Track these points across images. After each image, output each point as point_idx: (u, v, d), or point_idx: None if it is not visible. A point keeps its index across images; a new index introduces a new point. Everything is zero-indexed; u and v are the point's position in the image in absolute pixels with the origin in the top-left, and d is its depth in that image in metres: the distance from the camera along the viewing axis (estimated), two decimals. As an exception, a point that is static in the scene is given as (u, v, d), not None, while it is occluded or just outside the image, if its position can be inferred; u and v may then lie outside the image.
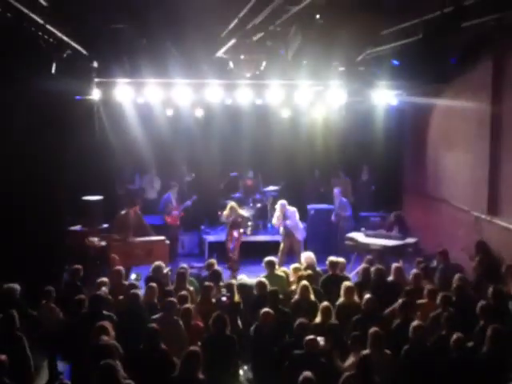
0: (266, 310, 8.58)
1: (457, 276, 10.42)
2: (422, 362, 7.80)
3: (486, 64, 13.20)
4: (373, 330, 7.94)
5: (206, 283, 10.19)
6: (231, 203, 15.35)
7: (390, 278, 10.90)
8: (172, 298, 8.95)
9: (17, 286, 9.40)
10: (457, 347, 7.65)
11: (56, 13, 9.87)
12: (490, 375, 7.20)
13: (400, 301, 8.95)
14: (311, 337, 7.85)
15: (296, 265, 11.71)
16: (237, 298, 10.00)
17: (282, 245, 15.15)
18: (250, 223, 16.50)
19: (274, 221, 15.40)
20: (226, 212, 15.19)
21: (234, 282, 10.59)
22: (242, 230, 15.29)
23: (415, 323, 8.12)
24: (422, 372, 7.74)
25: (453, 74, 14.54)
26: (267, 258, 11.42)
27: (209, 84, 14.40)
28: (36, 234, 11.55)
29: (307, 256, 11.91)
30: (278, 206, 15.24)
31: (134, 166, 18.68)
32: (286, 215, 15.07)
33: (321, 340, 8.15)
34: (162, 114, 15.73)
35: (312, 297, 9.72)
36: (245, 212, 16.14)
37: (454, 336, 7.71)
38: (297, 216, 15.29)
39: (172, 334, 8.30)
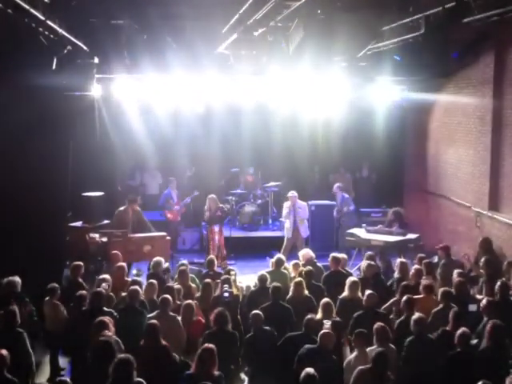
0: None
1: (456, 271, 10.45)
2: (425, 354, 7.84)
3: (488, 59, 13.18)
4: (378, 325, 7.96)
5: (206, 280, 10.19)
6: (209, 196, 15.38)
7: (396, 275, 10.90)
8: (166, 295, 8.92)
9: (17, 279, 9.42)
10: (461, 343, 7.66)
11: (56, 9, 9.85)
12: (490, 370, 7.18)
13: (405, 297, 8.94)
14: (326, 331, 7.87)
15: (296, 261, 11.70)
16: (235, 291, 10.02)
17: (285, 241, 15.09)
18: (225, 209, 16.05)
19: (284, 212, 15.30)
20: (205, 207, 15.25)
21: (231, 276, 10.55)
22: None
23: (416, 316, 8.16)
24: (425, 364, 7.78)
25: (454, 69, 14.58)
26: (278, 256, 11.48)
27: (210, 79, 14.37)
28: (37, 230, 11.53)
29: (305, 253, 11.92)
30: (289, 196, 15.17)
31: (134, 163, 18.64)
32: (297, 206, 15.02)
33: (327, 323, 8.26)
34: (163, 110, 15.70)
35: (306, 292, 9.73)
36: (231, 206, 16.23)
37: (460, 331, 7.72)
38: (307, 211, 15.27)
39: (169, 331, 8.26)
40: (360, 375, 7.18)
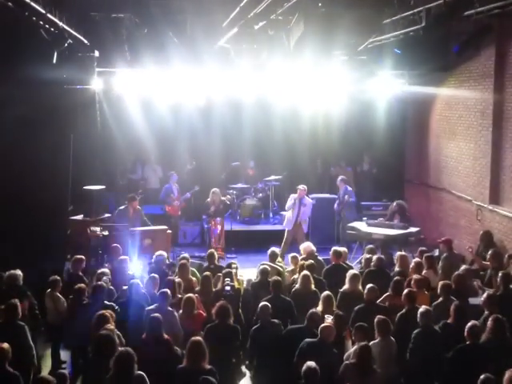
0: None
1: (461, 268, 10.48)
2: (432, 346, 7.89)
3: (489, 52, 13.17)
4: (379, 318, 7.98)
5: (206, 273, 10.21)
6: (213, 189, 15.44)
7: (396, 269, 10.91)
8: (164, 289, 8.94)
9: (19, 272, 9.46)
10: (471, 336, 7.64)
11: (57, 2, 9.85)
12: (490, 363, 7.20)
13: (406, 290, 8.95)
14: (327, 324, 7.90)
15: (294, 254, 11.71)
16: (236, 284, 10.05)
17: (286, 235, 15.05)
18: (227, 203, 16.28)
19: (289, 203, 15.18)
20: (209, 199, 15.28)
21: (232, 270, 10.56)
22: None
23: (423, 308, 8.19)
24: (432, 355, 7.83)
25: (455, 63, 14.55)
26: (272, 249, 11.48)
27: (210, 73, 14.36)
28: (38, 223, 11.55)
29: (306, 246, 11.90)
30: (298, 187, 15.09)
31: (136, 156, 18.65)
32: (302, 202, 14.99)
33: (328, 318, 8.30)
34: (163, 104, 15.70)
35: (312, 286, 9.75)
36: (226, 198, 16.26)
37: (469, 324, 7.71)
38: (310, 209, 15.22)
39: (166, 324, 8.25)
40: (345, 370, 7.23)
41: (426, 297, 9.45)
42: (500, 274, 9.61)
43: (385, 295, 9.58)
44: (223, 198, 15.58)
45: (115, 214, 13.94)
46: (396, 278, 9.91)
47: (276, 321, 8.53)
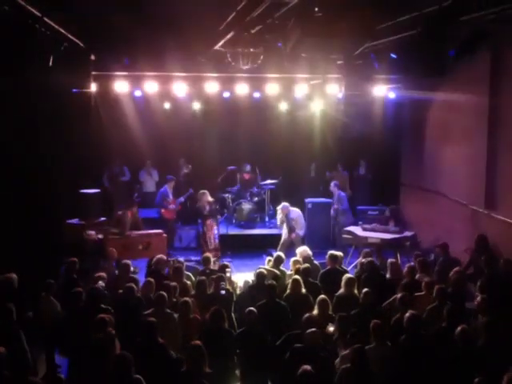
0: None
1: (454, 269, 10.47)
2: (419, 351, 7.85)
3: (484, 57, 13.18)
4: (374, 322, 7.97)
5: (200, 277, 10.21)
6: (202, 191, 15.51)
7: (387, 275, 10.91)
8: (161, 292, 8.93)
9: (14, 276, 9.43)
10: (461, 339, 7.66)
11: (53, 5, 9.84)
12: (487, 367, 7.21)
13: (399, 295, 8.96)
14: (312, 330, 7.86)
15: (295, 258, 11.72)
16: (230, 288, 10.05)
17: (282, 239, 15.14)
18: (217, 207, 16.45)
19: (278, 222, 15.35)
20: (200, 203, 15.31)
21: (226, 274, 10.56)
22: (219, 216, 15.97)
23: (409, 313, 8.14)
24: (421, 361, 7.78)
25: (451, 67, 14.50)
26: (278, 253, 11.60)
27: (206, 77, 14.37)
28: (33, 227, 11.53)
29: (302, 250, 11.91)
30: (278, 208, 15.17)
31: (123, 159, 18.49)
32: (289, 217, 15.01)
33: (330, 326, 8.33)
34: (160, 108, 15.71)
35: (303, 290, 9.74)
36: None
37: (459, 328, 7.72)
38: (302, 220, 15.26)
39: (164, 328, 8.26)
40: (343, 374, 7.21)
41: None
42: (478, 284, 9.63)
43: (393, 297, 9.55)
44: (211, 199, 15.62)
45: (113, 219, 13.94)
46: (404, 281, 9.96)
47: (260, 328, 8.48)
